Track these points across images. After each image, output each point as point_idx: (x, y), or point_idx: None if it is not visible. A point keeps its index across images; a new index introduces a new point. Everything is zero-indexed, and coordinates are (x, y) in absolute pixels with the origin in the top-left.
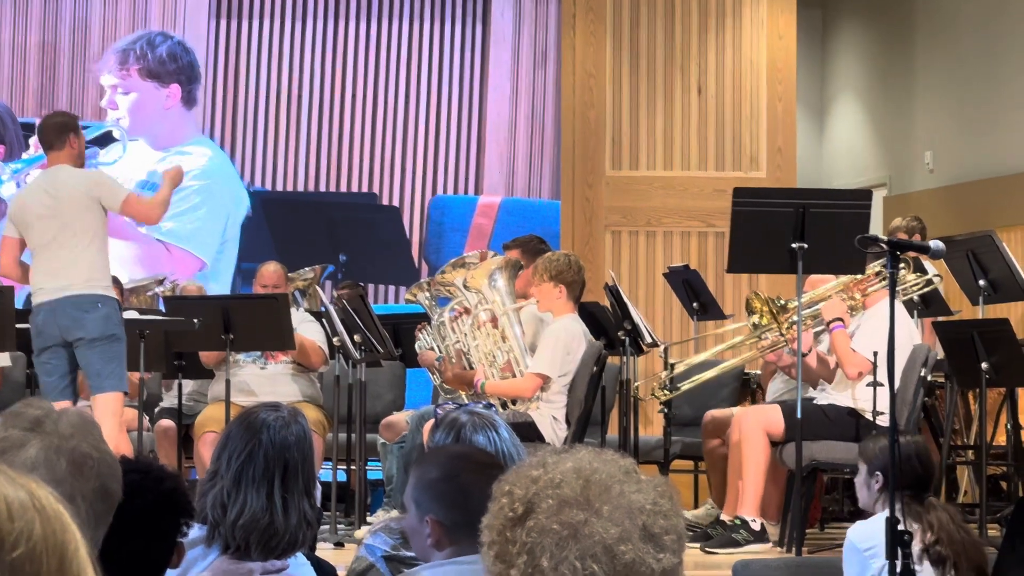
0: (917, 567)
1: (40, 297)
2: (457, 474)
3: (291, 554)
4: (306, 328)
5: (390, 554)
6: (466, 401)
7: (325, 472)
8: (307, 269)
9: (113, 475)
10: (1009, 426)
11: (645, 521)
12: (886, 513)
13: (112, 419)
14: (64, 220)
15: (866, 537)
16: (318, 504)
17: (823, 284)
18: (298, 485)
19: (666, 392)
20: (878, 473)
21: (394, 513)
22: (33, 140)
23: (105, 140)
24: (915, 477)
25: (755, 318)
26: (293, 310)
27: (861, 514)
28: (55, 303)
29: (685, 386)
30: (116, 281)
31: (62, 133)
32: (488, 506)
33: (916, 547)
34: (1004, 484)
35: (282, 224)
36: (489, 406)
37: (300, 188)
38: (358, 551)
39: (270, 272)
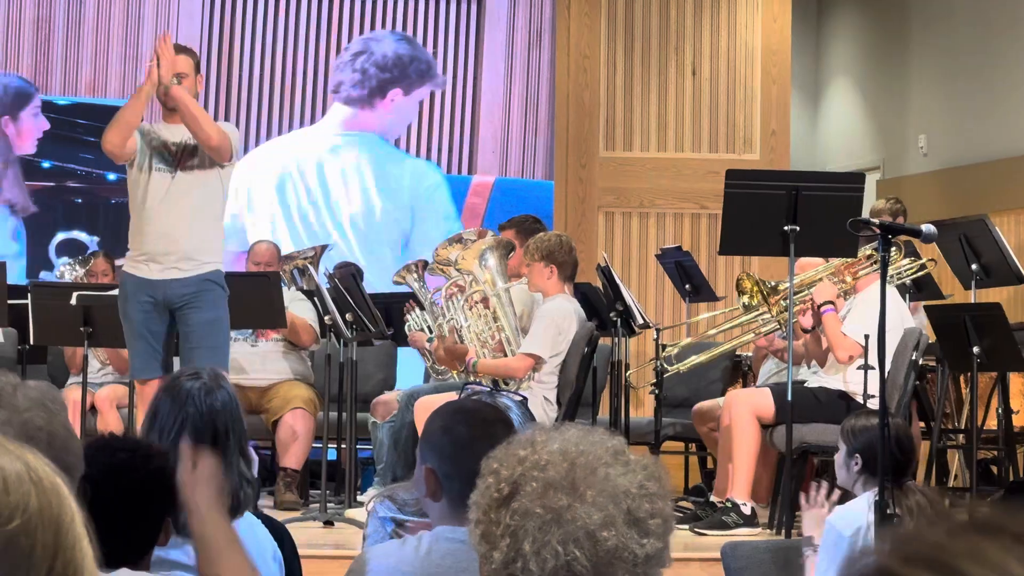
0: None
1: None
2: (453, 426)
3: (239, 515)
4: (297, 307)
5: (395, 517)
6: (457, 380)
7: (315, 450)
8: (307, 248)
9: (66, 448)
10: (1000, 410)
11: (630, 505)
12: (867, 495)
13: None
14: None
15: (850, 522)
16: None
17: (812, 267)
18: (230, 447)
19: (668, 363)
20: (857, 455)
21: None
22: None
23: None
24: (894, 461)
25: (745, 298)
26: (285, 288)
27: (848, 496)
28: None
29: (680, 367)
30: (108, 257)
31: None
32: (479, 461)
33: None
34: (995, 468)
35: None
36: (503, 392)
37: None
38: (369, 518)
39: (263, 250)
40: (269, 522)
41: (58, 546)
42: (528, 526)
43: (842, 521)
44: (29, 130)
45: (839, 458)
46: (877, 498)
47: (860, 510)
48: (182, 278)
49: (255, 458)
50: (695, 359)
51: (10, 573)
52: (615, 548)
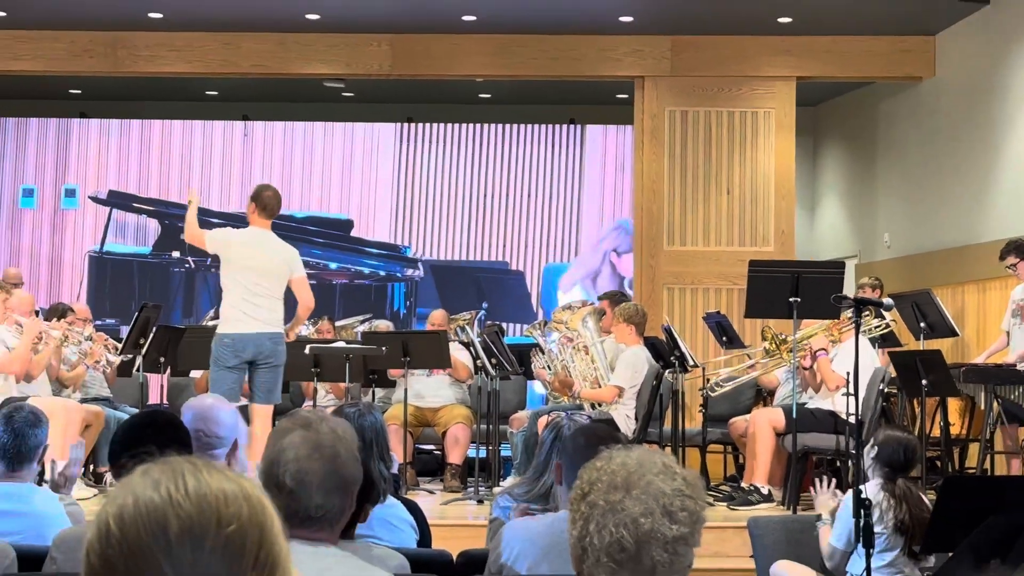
0: (886, 531)
1: (243, 328)
2: (576, 437)
3: (380, 501)
4: (459, 353)
5: (510, 507)
6: (567, 402)
7: (472, 451)
8: (466, 313)
9: (347, 466)
10: (941, 424)
11: (665, 502)
12: (873, 482)
13: (269, 423)
14: (274, 276)
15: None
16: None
17: (811, 326)
18: (374, 453)
19: (712, 390)
20: (876, 447)
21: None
22: None
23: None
24: (896, 462)
25: (766, 344)
26: (452, 342)
27: (840, 484)
28: (259, 335)
29: (719, 392)
30: (330, 320)
31: (279, 208)
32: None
33: (889, 515)
34: (939, 463)
35: (445, 282)
36: (580, 407)
37: (457, 257)
38: (492, 509)
39: (437, 316)
40: (406, 502)
41: (261, 543)
42: (594, 514)
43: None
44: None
45: (867, 450)
46: (879, 483)
47: (871, 489)
48: None
49: (396, 460)
50: (734, 382)
51: (231, 560)
52: (650, 530)
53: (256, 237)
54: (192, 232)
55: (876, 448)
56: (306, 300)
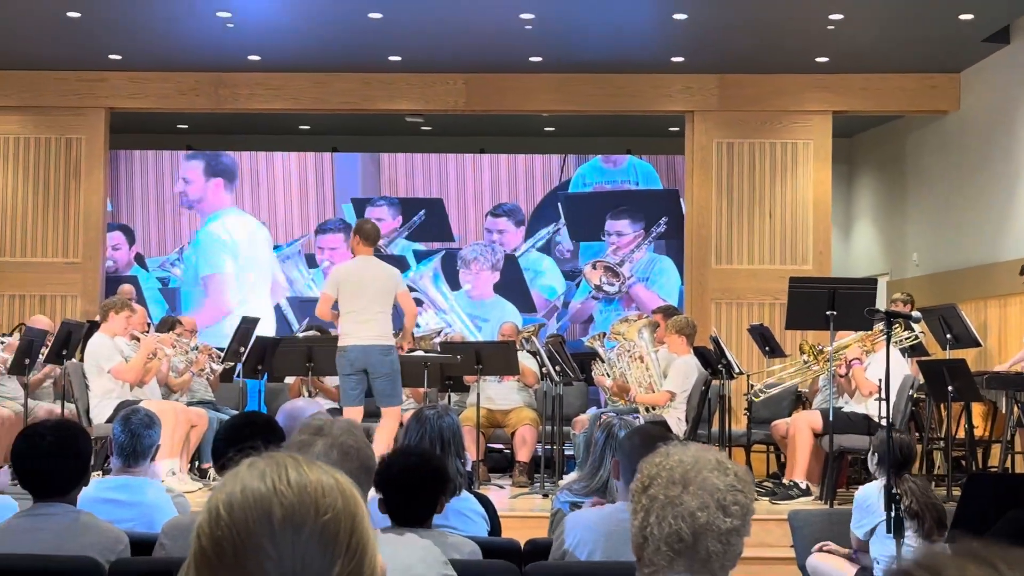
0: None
1: (354, 341)
2: (632, 436)
3: (456, 495)
4: (527, 361)
5: (570, 500)
6: (624, 406)
7: (538, 450)
8: (530, 326)
9: (370, 457)
10: (966, 426)
11: (719, 497)
12: (879, 480)
13: (393, 420)
14: (381, 295)
15: (868, 495)
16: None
17: (845, 338)
18: (451, 451)
19: (755, 397)
20: (876, 453)
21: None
22: None
23: None
24: (896, 459)
25: (804, 356)
26: (520, 351)
27: (871, 479)
28: (366, 347)
29: (763, 397)
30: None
31: (378, 237)
32: (642, 460)
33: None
34: (964, 462)
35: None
36: (635, 410)
37: None
38: (553, 502)
39: (507, 327)
40: (478, 495)
41: (353, 531)
42: (654, 507)
43: (863, 494)
44: None
45: (870, 455)
46: (886, 482)
47: (874, 487)
48: None
49: (469, 458)
50: (773, 390)
51: (326, 545)
52: (706, 523)
53: (363, 263)
54: (321, 312)
55: (876, 453)
56: (411, 310)
